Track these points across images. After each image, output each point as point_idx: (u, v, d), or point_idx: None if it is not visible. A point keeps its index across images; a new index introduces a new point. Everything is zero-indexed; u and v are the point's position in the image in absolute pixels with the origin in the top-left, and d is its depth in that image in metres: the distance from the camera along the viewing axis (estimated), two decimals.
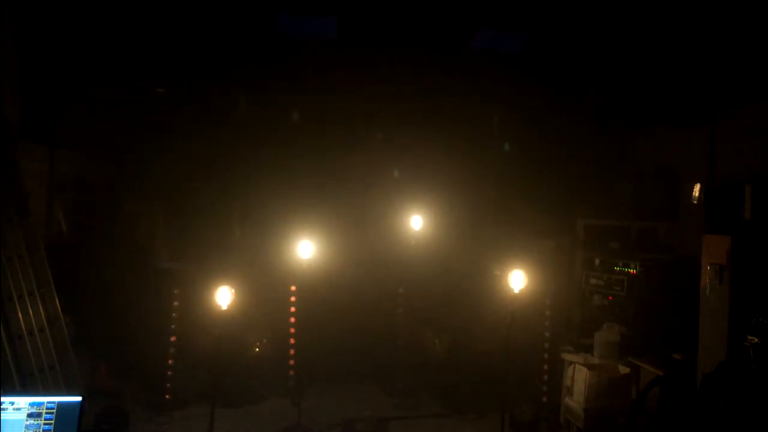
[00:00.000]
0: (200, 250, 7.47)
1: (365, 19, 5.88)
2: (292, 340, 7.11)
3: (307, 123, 8.31)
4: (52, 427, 3.35)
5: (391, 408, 6.97)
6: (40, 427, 3.34)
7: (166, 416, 6.38)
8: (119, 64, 7.10)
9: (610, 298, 6.55)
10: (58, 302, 5.42)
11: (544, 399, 6.75)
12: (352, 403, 6.94)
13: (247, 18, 5.92)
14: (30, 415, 3.34)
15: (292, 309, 7.12)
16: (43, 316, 5.21)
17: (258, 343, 7.39)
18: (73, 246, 6.90)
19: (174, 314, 6.70)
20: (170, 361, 6.64)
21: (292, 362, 7.10)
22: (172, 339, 6.67)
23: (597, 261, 6.77)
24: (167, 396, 6.56)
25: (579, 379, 5.83)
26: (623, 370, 5.76)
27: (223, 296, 5.19)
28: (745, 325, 4.20)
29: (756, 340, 4.05)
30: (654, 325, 5.99)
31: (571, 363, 6.07)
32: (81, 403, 3.44)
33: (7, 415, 3.32)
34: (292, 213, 7.41)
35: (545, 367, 6.80)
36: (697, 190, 5.57)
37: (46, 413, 3.36)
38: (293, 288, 7.09)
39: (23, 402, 3.37)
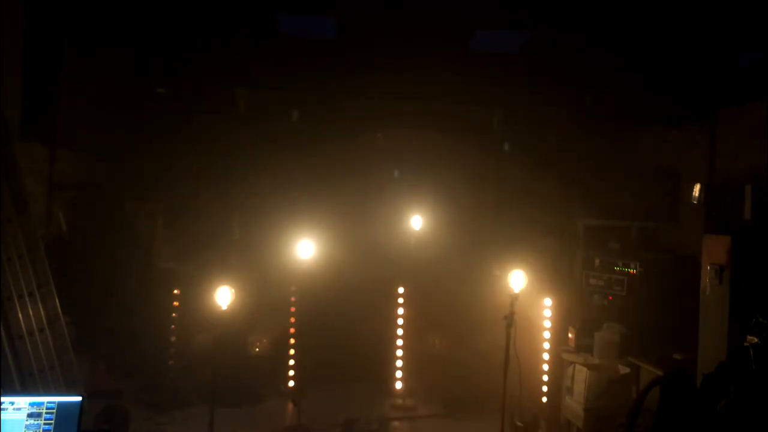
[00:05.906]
0: (200, 250, 7.47)
1: (365, 19, 5.88)
2: (292, 340, 7.10)
3: (306, 123, 8.32)
4: (52, 427, 3.34)
5: (391, 408, 6.97)
6: (40, 427, 3.33)
7: (166, 416, 6.38)
8: (120, 63, 7.11)
9: (610, 298, 6.54)
10: (58, 302, 5.42)
11: (544, 399, 6.75)
12: (352, 403, 6.94)
13: (247, 18, 5.92)
14: (30, 415, 3.34)
15: (292, 309, 7.11)
16: (43, 316, 5.21)
17: (258, 343, 7.38)
18: (73, 246, 6.90)
19: (174, 314, 6.70)
20: (170, 361, 6.64)
21: (292, 362, 7.10)
22: (172, 339, 6.67)
23: (597, 261, 6.75)
24: (167, 396, 6.56)
25: (579, 379, 5.83)
26: (623, 370, 5.75)
27: (223, 296, 5.19)
28: (745, 325, 4.20)
29: (756, 340, 4.05)
30: (654, 325, 5.98)
31: (571, 363, 6.07)
32: (81, 403, 3.43)
33: (7, 415, 3.31)
34: (292, 213, 7.41)
35: (545, 367, 6.81)
36: (697, 190, 5.56)
37: (46, 413, 3.36)
38: (293, 288, 7.08)
39: (23, 402, 3.36)
